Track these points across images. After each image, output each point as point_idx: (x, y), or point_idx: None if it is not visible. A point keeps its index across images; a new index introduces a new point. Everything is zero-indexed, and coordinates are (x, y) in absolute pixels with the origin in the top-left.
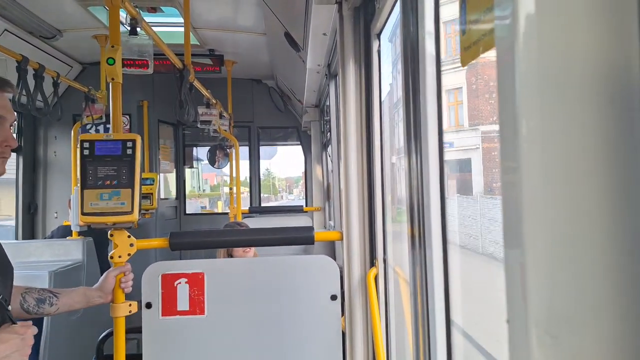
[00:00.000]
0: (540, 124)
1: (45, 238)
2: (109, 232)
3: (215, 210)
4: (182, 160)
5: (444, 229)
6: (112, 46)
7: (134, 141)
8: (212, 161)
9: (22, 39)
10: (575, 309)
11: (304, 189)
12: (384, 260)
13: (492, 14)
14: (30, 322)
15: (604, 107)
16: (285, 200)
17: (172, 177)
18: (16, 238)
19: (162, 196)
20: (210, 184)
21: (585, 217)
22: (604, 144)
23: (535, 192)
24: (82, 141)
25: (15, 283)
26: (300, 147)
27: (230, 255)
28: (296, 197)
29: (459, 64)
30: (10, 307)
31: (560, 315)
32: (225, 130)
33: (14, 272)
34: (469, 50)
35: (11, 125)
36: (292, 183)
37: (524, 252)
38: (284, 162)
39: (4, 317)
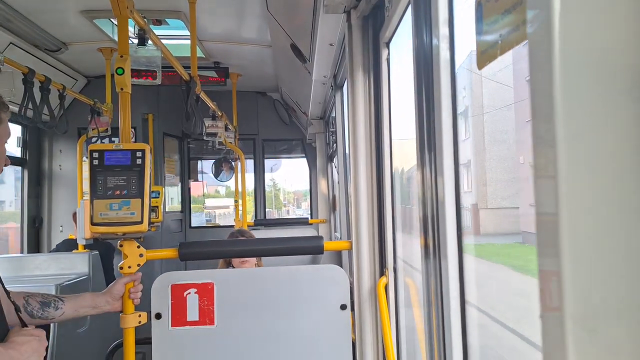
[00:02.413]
0: (575, 124)
1: (50, 251)
2: (119, 242)
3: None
4: (187, 173)
5: (459, 239)
6: (121, 56)
7: (143, 151)
8: (216, 174)
9: (27, 52)
10: (613, 302)
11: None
12: (394, 270)
13: (511, 16)
14: (34, 326)
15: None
16: (293, 216)
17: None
18: (21, 252)
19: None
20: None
21: (621, 210)
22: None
23: (571, 185)
24: (92, 151)
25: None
26: (305, 159)
27: (230, 266)
28: (305, 211)
29: None
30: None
31: (598, 309)
32: (231, 143)
33: (21, 286)
34: (486, 53)
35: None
36: (301, 196)
37: (559, 247)
38: (291, 174)
39: (7, 321)
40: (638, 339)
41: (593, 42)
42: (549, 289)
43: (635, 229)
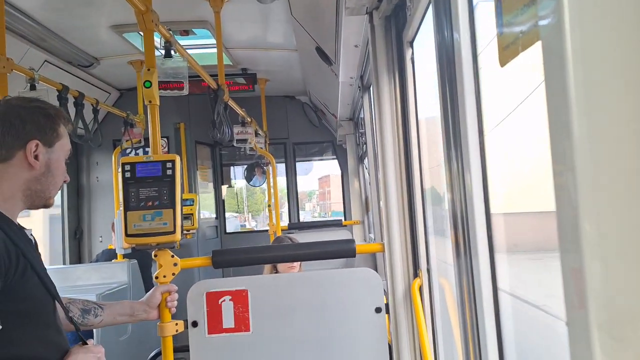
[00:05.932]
0: (593, 120)
1: (91, 262)
2: (153, 252)
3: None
4: (221, 180)
5: (489, 236)
6: (148, 69)
7: (173, 161)
8: (249, 179)
9: (61, 68)
10: None
11: (317, 204)
12: (428, 271)
13: (531, 11)
14: (93, 341)
15: None
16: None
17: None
18: (64, 263)
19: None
20: None
21: None
22: None
23: (591, 191)
24: (124, 164)
25: None
26: (326, 161)
27: (276, 271)
28: (308, 213)
29: None
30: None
31: (624, 316)
32: (262, 148)
33: (63, 295)
34: (508, 49)
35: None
36: (305, 197)
37: (581, 253)
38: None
39: (74, 337)
40: None
41: (606, 34)
42: (572, 294)
43: None
